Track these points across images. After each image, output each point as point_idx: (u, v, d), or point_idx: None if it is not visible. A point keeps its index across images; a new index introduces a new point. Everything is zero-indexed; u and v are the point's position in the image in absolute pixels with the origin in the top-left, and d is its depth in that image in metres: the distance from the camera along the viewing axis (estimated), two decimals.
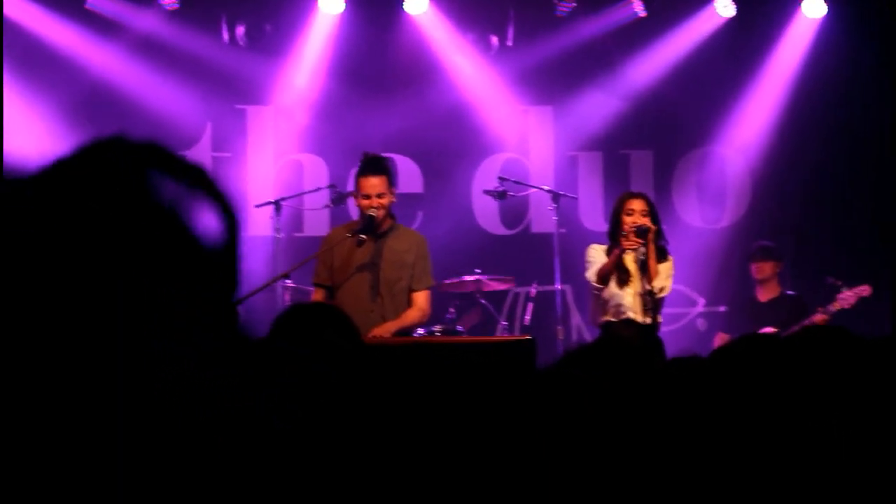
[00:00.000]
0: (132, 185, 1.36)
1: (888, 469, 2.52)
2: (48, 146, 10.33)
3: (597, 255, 8.67)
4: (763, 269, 10.62)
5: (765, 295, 10.67)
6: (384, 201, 8.32)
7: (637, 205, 8.62)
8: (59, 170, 1.39)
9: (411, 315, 8.41)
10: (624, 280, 8.53)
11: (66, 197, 1.35)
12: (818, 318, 10.13)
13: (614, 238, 8.66)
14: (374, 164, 8.40)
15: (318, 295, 8.48)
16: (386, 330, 8.17)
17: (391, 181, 8.45)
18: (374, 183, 8.30)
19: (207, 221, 1.41)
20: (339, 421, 3.25)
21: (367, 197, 8.29)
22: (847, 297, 10.14)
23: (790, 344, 2.85)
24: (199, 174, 1.44)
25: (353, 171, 8.60)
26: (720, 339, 10.56)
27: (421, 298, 8.47)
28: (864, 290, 10.15)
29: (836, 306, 10.15)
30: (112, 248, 1.33)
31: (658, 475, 2.10)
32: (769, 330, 10.00)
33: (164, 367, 1.34)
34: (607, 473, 2.08)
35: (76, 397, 1.31)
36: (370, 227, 8.28)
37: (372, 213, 8.27)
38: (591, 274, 8.57)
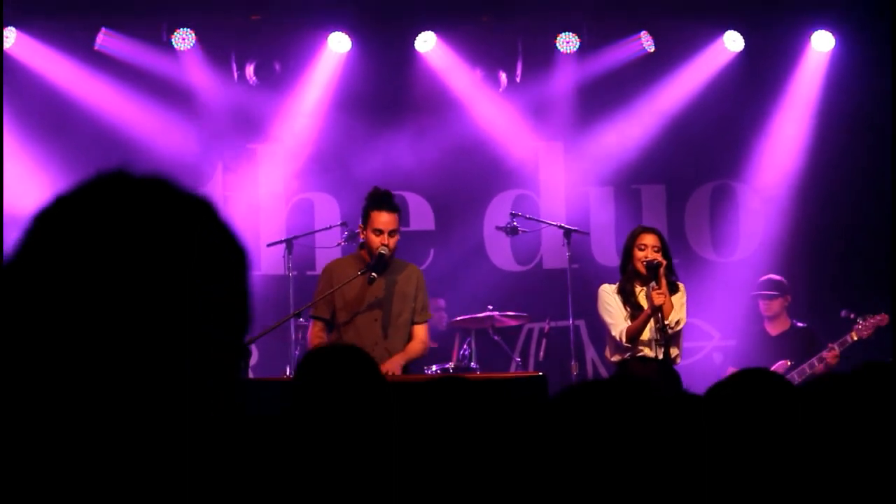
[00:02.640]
0: (136, 222, 1.34)
1: None
2: (53, 186, 10.37)
3: (614, 303, 8.56)
4: (772, 307, 10.54)
5: (775, 329, 10.59)
6: (395, 240, 8.32)
7: (649, 239, 8.57)
8: (61, 206, 1.37)
9: (415, 348, 8.44)
10: (637, 317, 8.47)
11: (69, 234, 1.32)
12: (829, 354, 10.02)
13: (626, 272, 8.62)
14: (388, 200, 8.40)
15: (316, 328, 8.47)
16: (395, 363, 8.17)
17: (400, 219, 8.47)
18: (388, 220, 8.30)
19: (214, 257, 1.38)
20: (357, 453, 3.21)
21: (380, 233, 8.28)
22: (864, 327, 10.01)
23: (849, 383, 2.80)
24: (205, 208, 1.41)
25: (363, 204, 8.59)
26: (731, 374, 10.46)
27: (422, 331, 8.51)
28: (882, 319, 10.00)
29: (852, 337, 10.01)
30: (116, 285, 1.31)
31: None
32: (782, 363, 9.93)
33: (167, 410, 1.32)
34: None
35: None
36: (381, 264, 8.27)
37: (383, 250, 8.26)
38: (618, 333, 8.48)
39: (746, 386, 2.75)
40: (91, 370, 1.30)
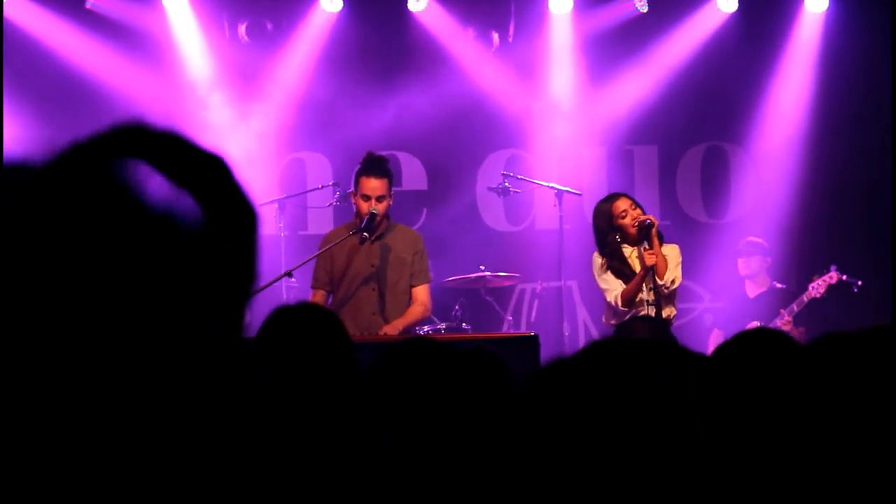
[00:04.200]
0: (144, 175, 1.33)
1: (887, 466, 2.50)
2: (47, 147, 10.32)
3: (607, 273, 8.55)
4: (749, 265, 10.67)
5: (753, 290, 10.70)
6: (383, 205, 8.32)
7: (625, 204, 8.57)
8: (73, 156, 1.36)
9: (415, 311, 8.45)
10: (631, 278, 8.47)
11: (77, 187, 1.32)
12: (781, 322, 10.11)
13: (608, 247, 8.55)
14: (378, 166, 8.39)
15: (316, 298, 8.47)
16: (394, 327, 8.20)
17: (392, 184, 8.45)
18: (376, 185, 8.30)
19: (221, 213, 1.37)
20: (337, 417, 3.22)
21: (367, 199, 8.29)
22: (816, 286, 10.14)
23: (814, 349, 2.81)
24: (216, 164, 1.40)
25: (355, 169, 8.60)
26: (716, 335, 10.56)
27: (422, 293, 8.51)
28: (832, 277, 10.14)
29: (807, 296, 10.15)
30: (123, 239, 1.30)
31: (659, 473, 2.07)
32: (754, 324, 9.96)
33: (164, 374, 1.31)
34: (608, 471, 2.05)
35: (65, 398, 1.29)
36: (372, 224, 8.27)
37: (374, 210, 8.27)
38: (613, 298, 8.47)
39: (753, 346, 2.75)
40: (87, 358, 1.29)
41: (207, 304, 1.34)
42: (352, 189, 8.55)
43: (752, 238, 10.88)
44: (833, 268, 10.19)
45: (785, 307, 10.30)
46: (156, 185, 1.34)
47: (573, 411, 2.07)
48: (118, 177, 1.32)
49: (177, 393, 1.31)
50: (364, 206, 8.29)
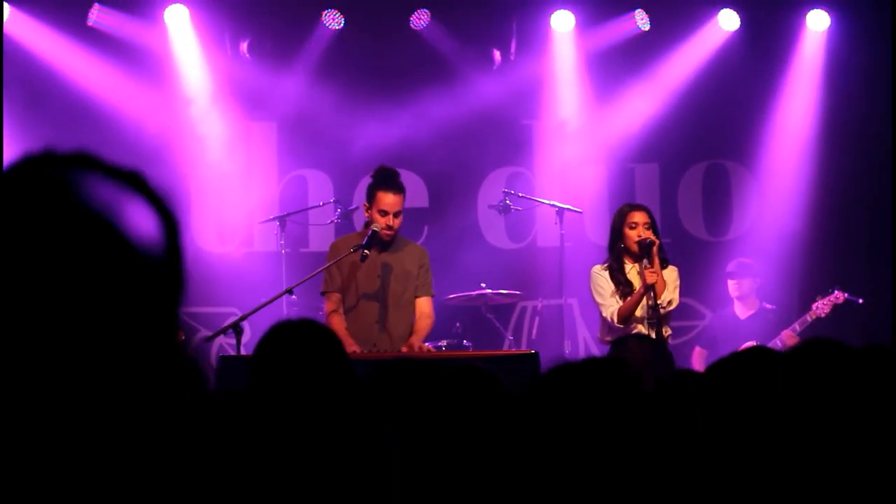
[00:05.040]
0: (60, 197, 1.34)
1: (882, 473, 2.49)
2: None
3: (605, 284, 8.55)
4: (741, 286, 10.64)
5: (744, 311, 10.65)
6: (399, 221, 8.37)
7: (640, 217, 8.56)
8: None
9: (424, 324, 8.50)
10: (629, 295, 8.46)
11: None
12: (786, 334, 10.11)
13: (615, 251, 8.59)
14: (395, 180, 8.44)
15: (332, 302, 8.49)
16: (418, 339, 8.25)
17: (405, 199, 8.51)
18: (394, 201, 8.35)
19: (144, 226, 1.38)
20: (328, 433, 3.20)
21: (385, 213, 8.31)
22: (821, 306, 10.13)
23: (788, 357, 2.82)
24: (133, 178, 1.41)
25: (360, 187, 8.61)
26: (698, 353, 10.54)
27: (426, 305, 8.55)
28: (838, 297, 10.13)
29: (811, 316, 10.14)
30: (36, 259, 1.30)
31: (655, 484, 2.05)
32: (749, 344, 9.93)
33: (97, 380, 1.31)
34: (602, 482, 2.04)
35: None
36: (373, 242, 8.28)
37: (385, 235, 8.31)
38: (609, 314, 8.46)
39: (748, 363, 2.75)
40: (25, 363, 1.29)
41: (143, 302, 1.36)
42: (365, 203, 8.55)
43: (741, 259, 10.87)
44: (836, 288, 10.17)
45: (784, 326, 10.27)
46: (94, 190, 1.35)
47: (566, 424, 2.05)
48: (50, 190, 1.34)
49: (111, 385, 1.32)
50: (381, 221, 8.31)
